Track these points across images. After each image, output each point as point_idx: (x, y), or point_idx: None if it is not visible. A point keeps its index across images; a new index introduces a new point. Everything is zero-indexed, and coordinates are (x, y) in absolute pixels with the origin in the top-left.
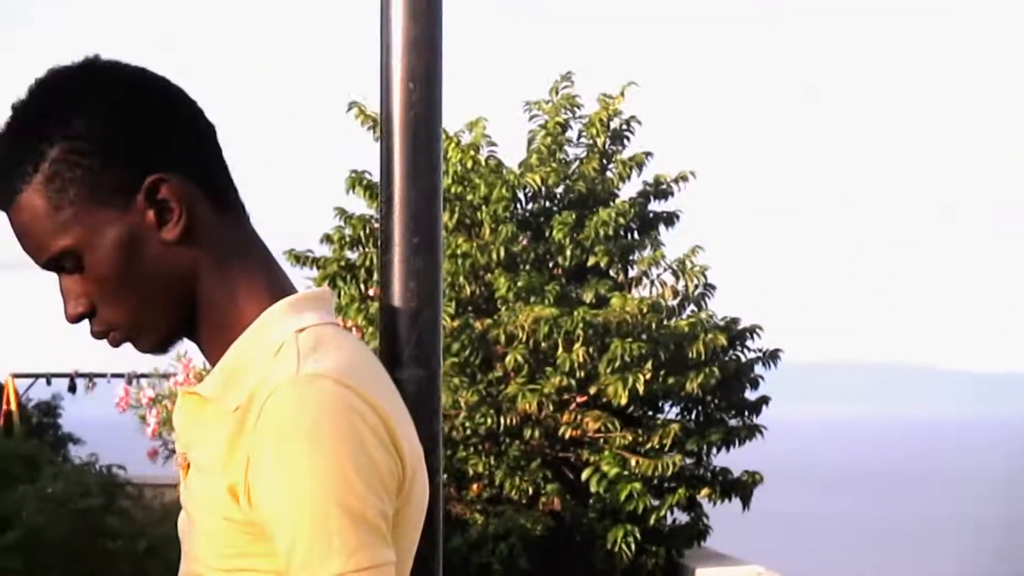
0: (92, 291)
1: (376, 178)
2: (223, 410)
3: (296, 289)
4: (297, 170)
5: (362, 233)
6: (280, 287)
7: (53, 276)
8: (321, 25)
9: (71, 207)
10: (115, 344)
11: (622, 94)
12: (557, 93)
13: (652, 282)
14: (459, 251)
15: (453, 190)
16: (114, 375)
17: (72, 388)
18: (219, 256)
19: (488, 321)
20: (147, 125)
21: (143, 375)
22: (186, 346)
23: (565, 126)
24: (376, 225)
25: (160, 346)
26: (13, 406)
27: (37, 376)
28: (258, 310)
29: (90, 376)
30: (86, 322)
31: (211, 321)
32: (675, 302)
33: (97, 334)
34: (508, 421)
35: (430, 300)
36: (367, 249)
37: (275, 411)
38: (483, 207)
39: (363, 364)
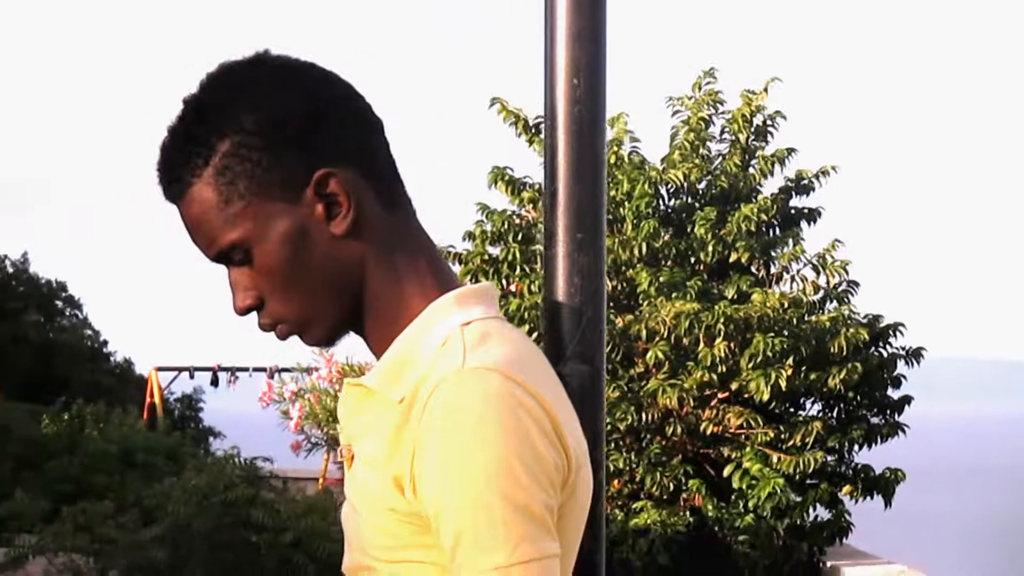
0: (260, 284)
1: (517, 173)
2: (388, 402)
3: (460, 284)
4: (439, 166)
5: (503, 228)
6: (445, 282)
7: (194, 271)
8: (462, 19)
9: (241, 200)
10: (282, 337)
11: (765, 90)
12: (700, 89)
13: (793, 277)
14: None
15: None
16: (256, 369)
17: (214, 382)
18: (386, 250)
19: (629, 317)
20: (317, 119)
21: (285, 369)
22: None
23: (708, 122)
24: (518, 221)
25: (327, 339)
26: (156, 399)
27: (180, 369)
28: (424, 303)
29: (232, 370)
30: (248, 316)
31: (377, 314)
32: (816, 297)
33: (264, 327)
34: (649, 417)
35: (594, 296)
36: (509, 244)
37: (441, 403)
38: (625, 203)
39: (529, 358)
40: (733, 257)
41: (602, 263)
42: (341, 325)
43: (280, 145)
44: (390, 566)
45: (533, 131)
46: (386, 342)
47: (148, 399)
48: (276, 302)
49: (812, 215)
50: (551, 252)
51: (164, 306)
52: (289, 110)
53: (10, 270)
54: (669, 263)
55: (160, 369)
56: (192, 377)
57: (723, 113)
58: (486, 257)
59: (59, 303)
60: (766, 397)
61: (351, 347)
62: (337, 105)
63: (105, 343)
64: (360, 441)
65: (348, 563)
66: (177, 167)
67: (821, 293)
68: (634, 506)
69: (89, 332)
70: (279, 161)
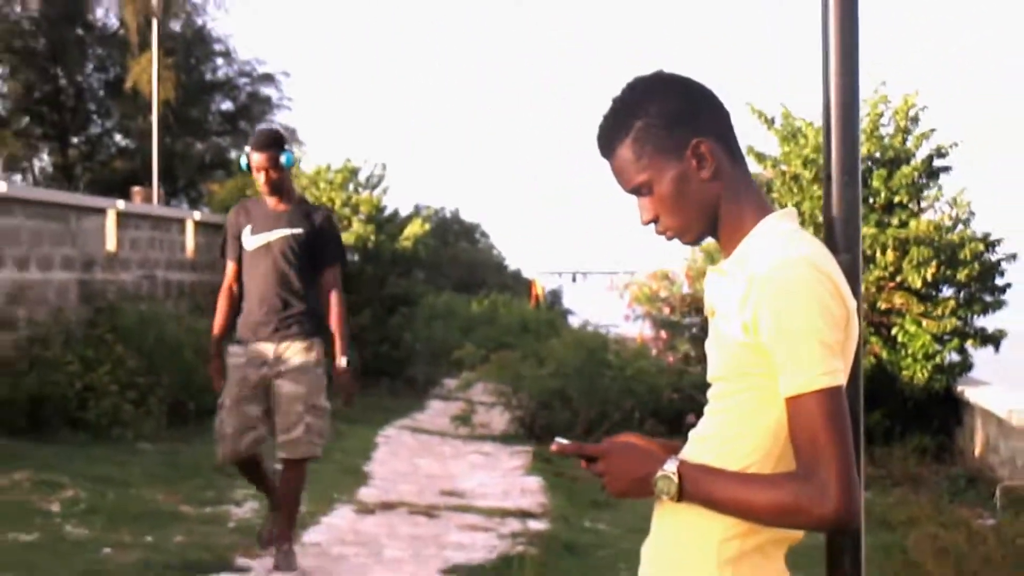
0: (657, 207)
1: (766, 151)
2: (737, 279)
3: (775, 209)
4: None
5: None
6: (767, 207)
7: (564, 209)
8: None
9: (647, 157)
10: (669, 239)
11: (916, 92)
12: (876, 92)
13: (935, 211)
14: (813, 194)
15: (813, 156)
16: (600, 272)
17: (574, 279)
18: (733, 188)
19: None
20: (692, 110)
21: (612, 272)
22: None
23: (881, 114)
24: (763, 179)
25: (695, 241)
26: (539, 292)
27: (552, 273)
28: (756, 220)
29: (585, 273)
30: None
31: (727, 227)
32: (950, 223)
33: (659, 232)
34: None
35: (853, 215)
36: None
37: (772, 279)
38: None
39: (820, 251)
40: (897, 199)
41: (859, 196)
42: (704, 233)
43: (671, 124)
44: (735, 376)
45: (771, 122)
46: (733, 243)
47: (533, 292)
48: (666, 218)
49: (946, 170)
50: (829, 188)
51: (542, 233)
52: (676, 104)
53: (448, 216)
54: None
55: (540, 273)
56: (560, 277)
57: (890, 107)
58: None
59: (478, 235)
60: (919, 285)
61: (657, 257)
62: (704, 102)
63: (504, 259)
64: (719, 303)
65: (711, 375)
66: (610, 138)
67: (953, 221)
68: None
69: (496, 252)
70: (670, 134)
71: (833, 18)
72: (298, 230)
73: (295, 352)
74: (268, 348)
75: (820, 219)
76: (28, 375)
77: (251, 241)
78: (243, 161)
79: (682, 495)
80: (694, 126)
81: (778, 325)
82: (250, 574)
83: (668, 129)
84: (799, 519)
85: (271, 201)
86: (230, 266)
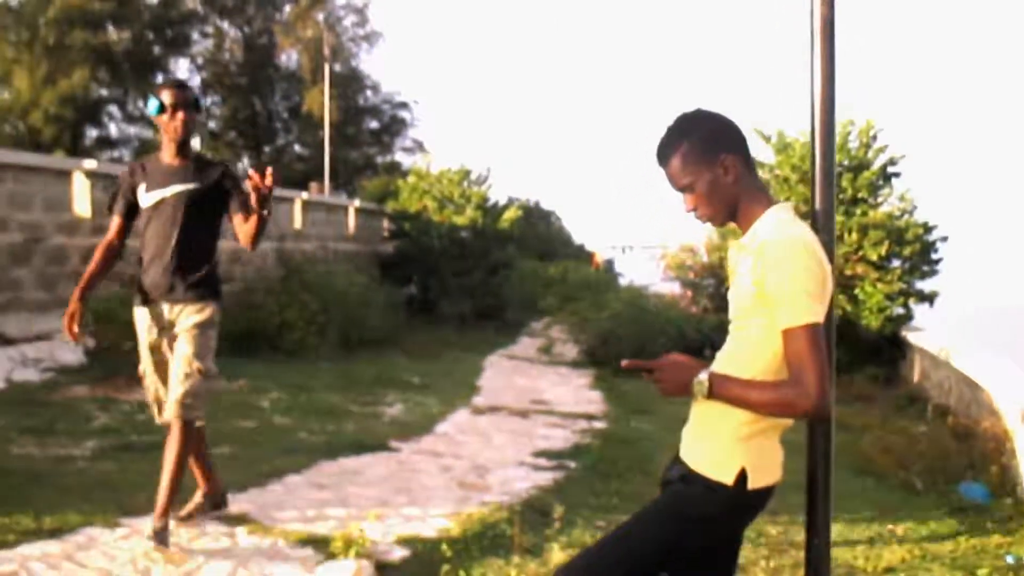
0: (696, 201)
1: (764, 160)
2: (751, 250)
3: (777, 202)
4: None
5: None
6: (772, 201)
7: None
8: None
9: (690, 167)
10: (704, 223)
11: (875, 118)
12: (846, 117)
13: (888, 204)
14: (798, 192)
15: (798, 163)
16: (642, 247)
17: (623, 251)
18: (748, 188)
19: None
20: (721, 134)
21: (649, 247)
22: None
23: (849, 132)
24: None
25: (722, 224)
26: (598, 260)
27: (607, 246)
28: (764, 210)
29: (632, 246)
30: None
31: (744, 215)
32: (899, 213)
33: (697, 218)
34: None
35: (830, 207)
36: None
37: (776, 250)
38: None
39: (808, 232)
40: (860, 195)
41: (833, 192)
42: (728, 219)
43: (707, 145)
44: (747, 315)
45: (768, 139)
46: (748, 226)
47: (594, 260)
48: (702, 208)
49: (897, 175)
50: (813, 189)
51: (600, 216)
52: (710, 131)
53: (531, 205)
54: None
55: (599, 247)
56: (613, 249)
57: (855, 127)
58: None
59: (552, 219)
60: (875, 258)
61: (684, 234)
62: (728, 128)
63: (572, 235)
64: (738, 265)
65: (731, 314)
66: (665, 153)
67: (901, 211)
68: None
69: (566, 231)
70: (706, 151)
71: (819, 62)
72: (193, 185)
73: (187, 314)
74: (164, 309)
75: (804, 210)
76: (243, 314)
77: (146, 199)
78: (153, 105)
79: (711, 395)
80: (722, 145)
81: (778, 281)
82: (401, 452)
83: (704, 148)
84: (790, 411)
85: (167, 156)
86: (115, 220)
